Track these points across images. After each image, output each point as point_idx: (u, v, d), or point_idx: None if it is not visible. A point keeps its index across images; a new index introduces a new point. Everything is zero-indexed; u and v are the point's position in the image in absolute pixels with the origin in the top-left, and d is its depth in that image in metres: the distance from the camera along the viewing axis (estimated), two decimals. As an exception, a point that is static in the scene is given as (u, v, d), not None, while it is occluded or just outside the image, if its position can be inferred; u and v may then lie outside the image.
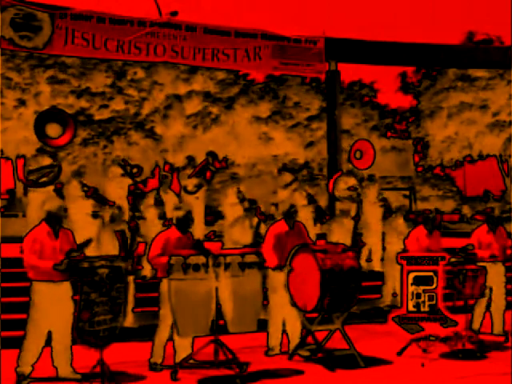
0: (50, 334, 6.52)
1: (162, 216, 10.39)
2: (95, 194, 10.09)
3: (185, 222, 7.10)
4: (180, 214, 7.16)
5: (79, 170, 18.33)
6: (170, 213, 10.30)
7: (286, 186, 11.55)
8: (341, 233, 10.93)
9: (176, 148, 20.07)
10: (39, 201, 10.03)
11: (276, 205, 11.42)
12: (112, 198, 10.26)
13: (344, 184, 11.42)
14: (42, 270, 6.41)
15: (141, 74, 20.42)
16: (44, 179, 10.24)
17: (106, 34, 12.18)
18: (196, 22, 13.10)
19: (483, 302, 8.25)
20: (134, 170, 10.96)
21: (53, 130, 10.79)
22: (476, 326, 8.25)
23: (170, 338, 6.97)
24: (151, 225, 10.10)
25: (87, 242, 6.80)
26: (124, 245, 9.24)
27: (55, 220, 6.64)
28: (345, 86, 22.02)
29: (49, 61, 19.43)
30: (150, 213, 10.45)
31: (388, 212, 10.87)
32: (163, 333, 6.93)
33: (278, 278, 7.39)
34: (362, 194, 11.23)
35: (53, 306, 6.45)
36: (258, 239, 9.98)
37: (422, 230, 8.20)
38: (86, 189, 10.17)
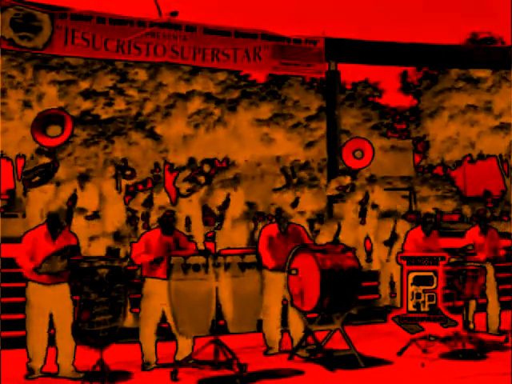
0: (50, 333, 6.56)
1: (145, 216, 10.45)
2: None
3: (166, 223, 7.13)
4: (161, 214, 7.29)
5: (80, 170, 18.34)
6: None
7: (277, 190, 11.56)
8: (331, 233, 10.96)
9: (177, 148, 20.08)
10: (38, 200, 10.04)
11: (273, 206, 11.44)
12: (110, 197, 10.27)
13: (336, 183, 11.44)
14: (27, 271, 6.42)
15: (142, 74, 20.42)
16: (37, 178, 10.22)
17: (106, 34, 12.18)
18: (196, 22, 13.10)
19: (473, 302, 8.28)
20: (128, 173, 10.97)
21: (51, 130, 10.78)
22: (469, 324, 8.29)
23: (161, 339, 7.00)
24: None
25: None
26: None
27: (54, 222, 6.64)
28: (346, 86, 22.04)
29: (52, 61, 19.45)
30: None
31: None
32: (149, 331, 6.96)
33: (273, 278, 7.39)
34: (359, 192, 11.22)
35: (49, 306, 6.46)
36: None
37: (418, 232, 8.21)
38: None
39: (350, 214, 11.14)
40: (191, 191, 11.09)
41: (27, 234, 6.66)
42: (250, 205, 11.30)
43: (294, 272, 7.14)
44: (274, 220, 8.07)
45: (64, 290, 6.51)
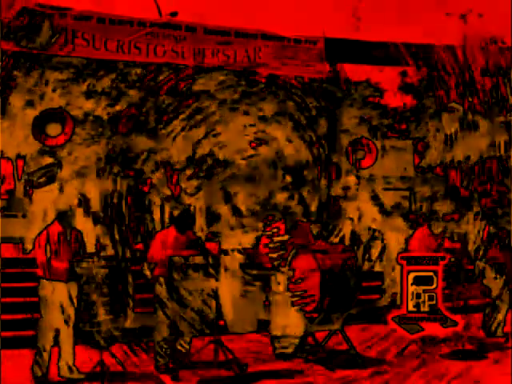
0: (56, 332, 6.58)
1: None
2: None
3: (182, 221, 7.10)
4: (177, 213, 7.21)
5: (80, 170, 18.31)
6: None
7: (284, 188, 11.57)
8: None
9: (177, 148, 20.04)
10: (41, 200, 10.05)
11: (276, 206, 11.43)
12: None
13: (341, 183, 11.45)
14: (59, 270, 6.43)
15: (142, 74, 20.40)
16: (43, 179, 10.24)
17: (105, 35, 12.18)
18: (196, 22, 13.11)
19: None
20: (131, 174, 10.96)
21: (52, 129, 10.79)
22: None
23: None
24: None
25: None
26: None
27: (66, 220, 6.67)
28: (346, 86, 21.98)
29: (53, 61, 19.39)
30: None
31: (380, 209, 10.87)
32: (163, 332, 6.95)
33: (279, 279, 7.38)
34: (359, 193, 11.23)
35: (60, 305, 6.48)
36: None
37: (422, 231, 8.22)
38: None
39: (361, 213, 11.16)
40: (199, 189, 11.07)
41: (43, 234, 6.64)
42: (251, 204, 11.30)
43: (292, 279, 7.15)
44: (280, 219, 8.06)
45: (73, 288, 6.51)
